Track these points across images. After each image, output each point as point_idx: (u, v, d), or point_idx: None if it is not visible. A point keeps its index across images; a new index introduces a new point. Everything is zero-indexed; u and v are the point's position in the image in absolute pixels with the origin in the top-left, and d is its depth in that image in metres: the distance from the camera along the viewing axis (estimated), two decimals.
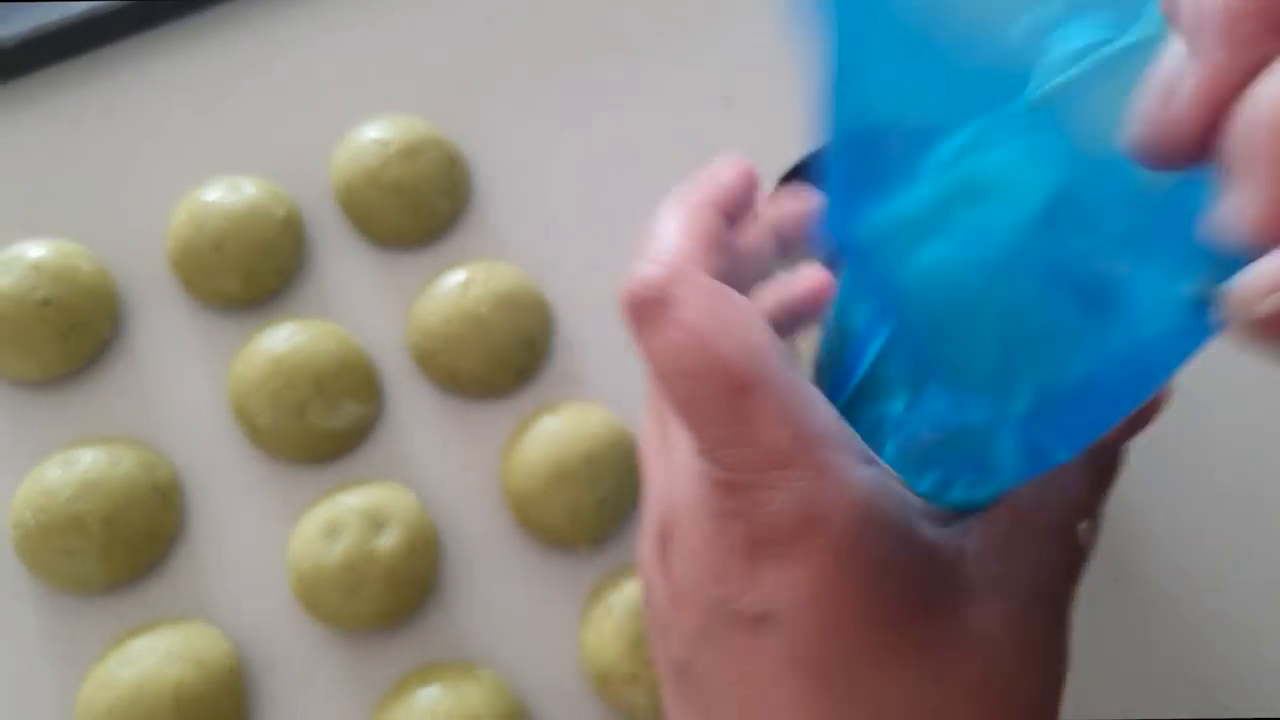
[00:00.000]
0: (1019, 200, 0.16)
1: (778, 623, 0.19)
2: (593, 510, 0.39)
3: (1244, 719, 0.40)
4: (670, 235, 0.21)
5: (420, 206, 0.44)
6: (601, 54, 0.50)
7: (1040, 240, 0.16)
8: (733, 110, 0.49)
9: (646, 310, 0.19)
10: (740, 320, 0.19)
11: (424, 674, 0.38)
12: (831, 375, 0.22)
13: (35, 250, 0.42)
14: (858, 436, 0.20)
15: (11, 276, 0.41)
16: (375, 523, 0.38)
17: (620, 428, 0.41)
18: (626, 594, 0.38)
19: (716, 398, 0.18)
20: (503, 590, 0.40)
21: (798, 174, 0.41)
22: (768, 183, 0.41)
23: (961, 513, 0.20)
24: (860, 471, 0.19)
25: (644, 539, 0.23)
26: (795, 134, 0.43)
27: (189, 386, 0.43)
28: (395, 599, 0.38)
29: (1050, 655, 0.20)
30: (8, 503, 0.40)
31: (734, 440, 0.19)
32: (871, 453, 0.20)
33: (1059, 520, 0.21)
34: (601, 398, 0.43)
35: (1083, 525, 0.21)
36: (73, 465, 0.39)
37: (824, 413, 0.19)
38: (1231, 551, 0.42)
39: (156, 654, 0.36)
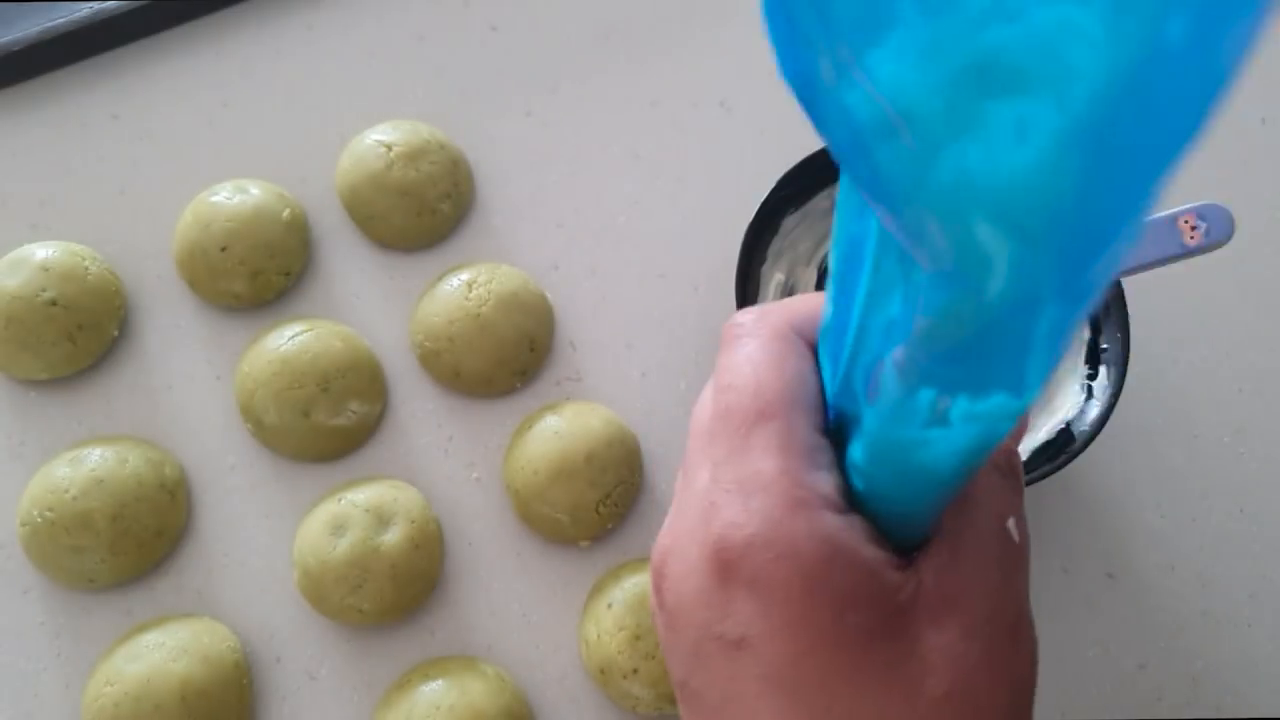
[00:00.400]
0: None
1: (753, 647, 0.20)
2: (593, 507, 0.40)
3: (1236, 719, 0.40)
4: (771, 304, 0.24)
5: (424, 209, 0.45)
6: (603, 60, 0.51)
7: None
8: (731, 115, 0.50)
9: (728, 335, 0.23)
10: (791, 366, 0.22)
11: (428, 668, 0.38)
12: (840, 288, 0.21)
13: (43, 251, 0.43)
14: (837, 491, 0.21)
15: (20, 278, 0.41)
16: (380, 520, 0.39)
17: (621, 427, 0.42)
18: (627, 589, 0.38)
19: (741, 414, 0.21)
20: (505, 586, 0.40)
21: (798, 174, 0.42)
22: (767, 184, 0.42)
23: (914, 533, 0.22)
24: (831, 516, 0.21)
25: (651, 567, 0.24)
26: (792, 138, 0.44)
27: (195, 386, 0.43)
28: (399, 595, 0.38)
29: (1016, 656, 0.21)
30: (16, 500, 0.40)
31: (734, 455, 0.21)
32: (844, 504, 0.21)
33: (987, 528, 0.22)
34: (602, 397, 0.44)
35: (1009, 522, 0.22)
36: (80, 463, 0.39)
37: (819, 464, 0.21)
38: (1224, 550, 0.42)
39: (163, 649, 0.37)
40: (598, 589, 0.40)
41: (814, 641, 0.20)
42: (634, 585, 0.38)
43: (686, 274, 0.46)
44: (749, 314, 0.23)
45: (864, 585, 0.20)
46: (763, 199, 0.41)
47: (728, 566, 0.20)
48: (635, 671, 0.37)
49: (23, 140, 0.47)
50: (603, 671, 0.38)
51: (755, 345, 0.22)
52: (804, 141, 0.42)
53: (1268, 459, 0.44)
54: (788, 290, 0.44)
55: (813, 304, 0.23)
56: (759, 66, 0.51)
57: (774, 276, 0.43)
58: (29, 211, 0.46)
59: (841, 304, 0.21)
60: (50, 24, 0.47)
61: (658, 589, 0.23)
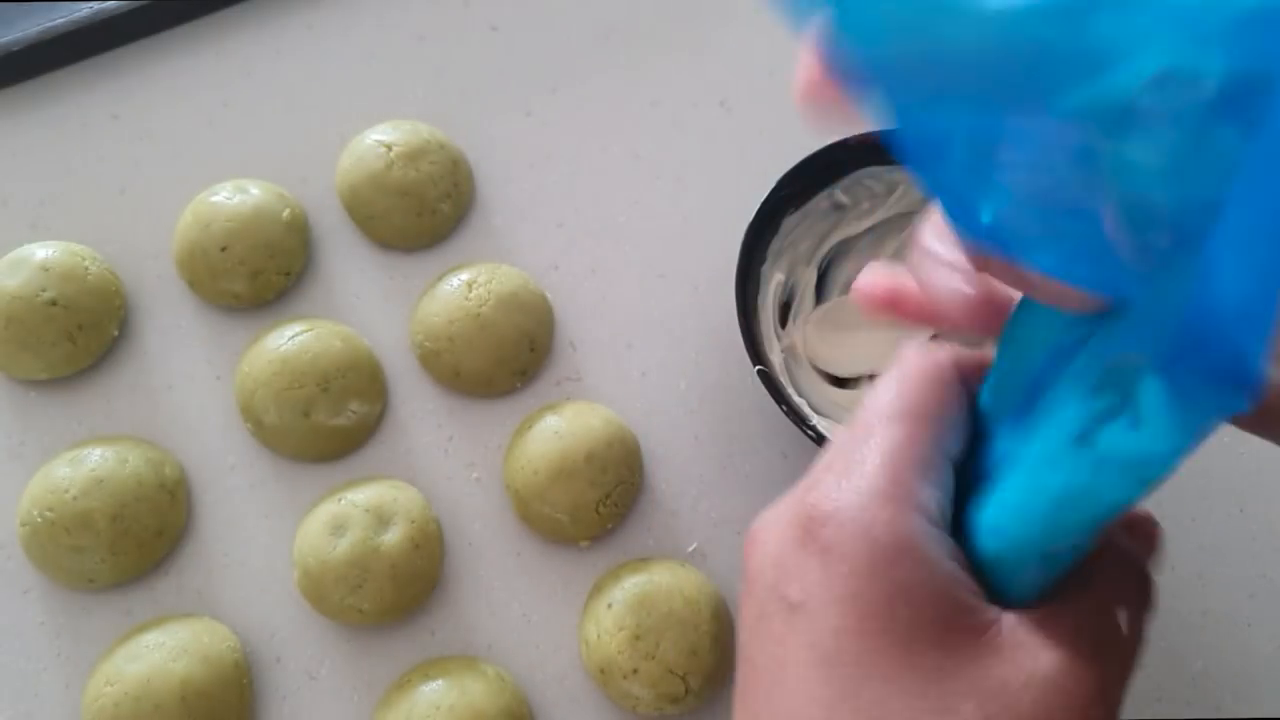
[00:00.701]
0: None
1: (808, 613, 0.21)
2: (593, 507, 0.40)
3: (1236, 718, 0.40)
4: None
5: (424, 209, 0.45)
6: (603, 60, 0.51)
7: None
8: (731, 115, 0.50)
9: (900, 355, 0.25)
10: (935, 391, 0.23)
11: (428, 669, 0.38)
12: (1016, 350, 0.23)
13: (43, 251, 0.43)
14: (936, 507, 0.22)
15: (20, 278, 0.41)
16: (380, 519, 0.39)
17: (621, 427, 0.42)
18: (627, 589, 0.38)
19: (873, 415, 0.23)
20: (505, 586, 0.40)
21: (798, 174, 0.42)
22: (767, 184, 0.42)
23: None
24: (918, 519, 0.21)
25: (746, 536, 0.26)
26: (792, 138, 0.44)
27: (195, 386, 0.43)
28: (399, 594, 0.38)
29: None
30: (16, 500, 0.40)
31: (851, 445, 0.23)
32: (939, 520, 0.22)
33: (1095, 605, 0.22)
34: (602, 397, 0.44)
35: (1122, 612, 0.22)
36: (80, 463, 0.39)
37: (928, 478, 0.22)
38: (1224, 550, 0.42)
39: (163, 649, 0.37)
40: (598, 589, 0.40)
41: (861, 622, 0.21)
42: (634, 585, 0.38)
43: (686, 274, 0.46)
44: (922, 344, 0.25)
45: (927, 588, 0.21)
46: (763, 199, 0.41)
47: (808, 533, 0.22)
48: (635, 671, 0.37)
49: (23, 140, 0.47)
50: (603, 671, 0.38)
51: (912, 365, 0.24)
52: (804, 141, 0.42)
53: (1268, 459, 0.44)
54: (788, 290, 0.44)
55: (980, 356, 0.25)
56: (759, 66, 0.51)
57: (774, 276, 0.43)
58: (29, 211, 0.46)
59: (1013, 357, 0.22)
60: (50, 24, 0.48)
61: (747, 555, 0.24)
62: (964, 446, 0.23)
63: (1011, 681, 0.20)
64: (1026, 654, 0.21)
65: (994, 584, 0.22)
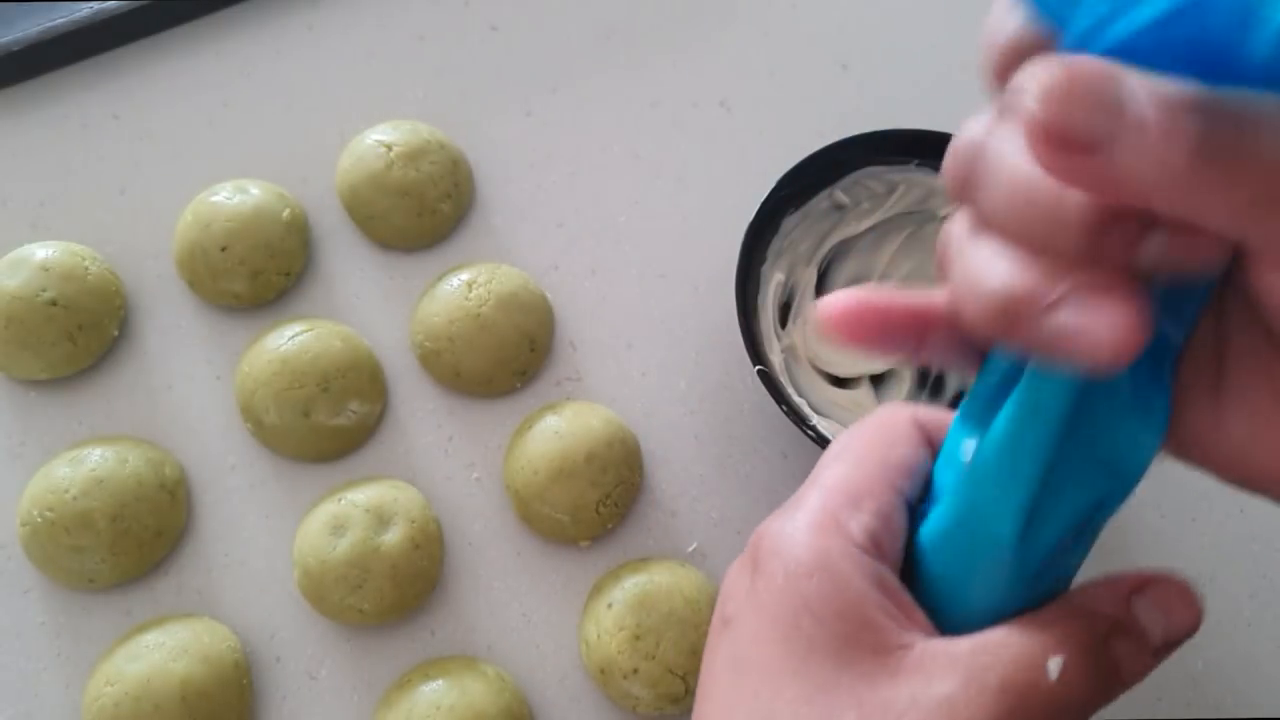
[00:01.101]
0: None
1: (734, 625, 0.23)
2: (593, 507, 0.40)
3: (1236, 718, 0.40)
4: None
5: (424, 209, 0.45)
6: (603, 60, 0.51)
7: None
8: (731, 115, 0.50)
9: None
10: (880, 435, 0.25)
11: (428, 669, 0.38)
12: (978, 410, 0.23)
13: (43, 251, 0.43)
14: (866, 534, 0.23)
15: (20, 278, 0.41)
16: (380, 519, 0.39)
17: (621, 427, 0.42)
18: (627, 589, 0.38)
19: (828, 454, 0.25)
20: (505, 586, 0.40)
21: (798, 174, 0.42)
22: (767, 184, 0.42)
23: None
24: (841, 543, 0.22)
25: None
26: (792, 138, 0.44)
27: (196, 386, 0.43)
28: (399, 595, 0.38)
29: None
30: (16, 500, 0.40)
31: (805, 484, 0.24)
32: (869, 547, 0.22)
33: (1022, 650, 0.21)
34: (602, 397, 0.44)
35: (1055, 660, 0.21)
36: (80, 463, 0.39)
37: (862, 508, 0.23)
38: (1224, 550, 0.42)
39: (163, 649, 0.37)
40: (598, 589, 0.40)
41: (770, 631, 0.22)
42: (634, 585, 0.38)
43: (686, 274, 0.46)
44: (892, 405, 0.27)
45: (833, 605, 0.22)
46: (763, 199, 0.41)
47: (751, 559, 0.24)
48: (635, 671, 0.37)
49: (23, 140, 0.47)
50: (603, 671, 0.38)
51: (874, 420, 0.25)
52: (804, 141, 0.42)
53: None
54: (788, 290, 0.44)
55: (945, 416, 0.25)
56: (759, 66, 0.51)
57: (774, 276, 0.43)
58: (29, 211, 0.46)
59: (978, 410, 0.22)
60: (50, 24, 0.48)
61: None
62: (920, 488, 0.24)
63: (897, 701, 0.21)
64: (923, 678, 0.21)
65: (941, 609, 0.22)
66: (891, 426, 0.25)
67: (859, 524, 0.23)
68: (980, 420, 0.22)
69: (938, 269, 0.21)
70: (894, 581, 0.22)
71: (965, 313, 0.19)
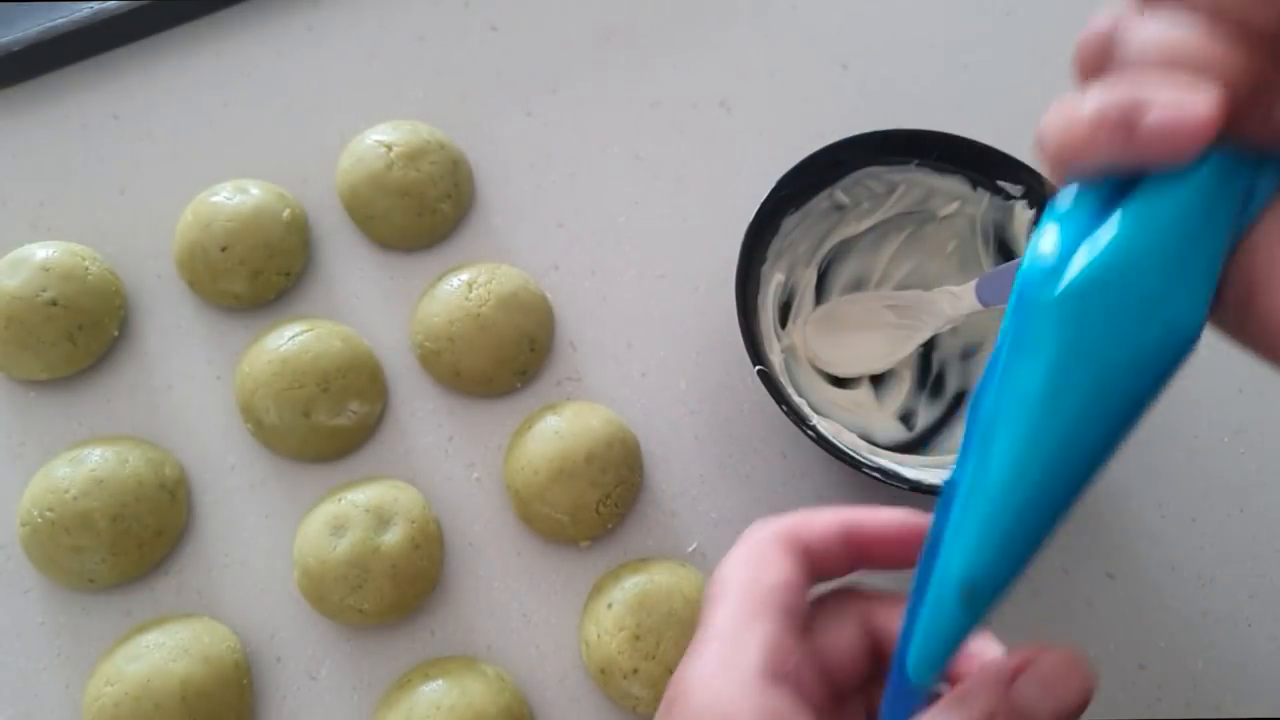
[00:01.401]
0: None
1: None
2: (593, 507, 0.40)
3: (1236, 718, 0.40)
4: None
5: (424, 209, 0.45)
6: (603, 60, 0.51)
7: None
8: (731, 115, 0.50)
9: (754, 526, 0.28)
10: (746, 567, 0.26)
11: (428, 669, 0.38)
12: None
13: (43, 251, 0.43)
14: (760, 655, 0.24)
15: (20, 278, 0.41)
16: (380, 519, 0.39)
17: (621, 426, 0.42)
18: (627, 589, 0.38)
19: (707, 593, 0.26)
20: (505, 586, 0.40)
21: (798, 174, 0.42)
22: (767, 184, 0.42)
23: None
24: (747, 687, 0.24)
25: None
26: (792, 138, 0.44)
27: (196, 386, 0.43)
28: (399, 595, 0.38)
29: None
30: (16, 500, 0.40)
31: (705, 618, 0.26)
32: (762, 669, 0.24)
33: None
34: (602, 397, 0.44)
35: None
36: (81, 463, 0.39)
37: (754, 631, 0.25)
38: (1224, 550, 0.42)
39: (163, 649, 0.37)
40: (598, 589, 0.40)
41: None
42: (634, 585, 0.38)
43: (686, 274, 0.46)
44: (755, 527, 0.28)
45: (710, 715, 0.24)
46: (763, 199, 0.41)
47: (666, 705, 0.25)
48: (635, 671, 0.37)
49: (23, 140, 0.47)
50: (603, 671, 0.38)
51: (742, 549, 0.27)
52: (804, 141, 0.42)
53: (1268, 459, 0.44)
54: (788, 290, 0.44)
55: (808, 519, 0.27)
56: (759, 67, 0.52)
57: (774, 276, 0.43)
58: (29, 211, 0.46)
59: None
60: (50, 24, 0.48)
61: None
62: (799, 598, 0.26)
63: None
64: None
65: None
66: (759, 554, 0.26)
67: (751, 659, 0.24)
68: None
69: (1081, 71, 0.21)
70: (788, 708, 0.24)
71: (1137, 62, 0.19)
